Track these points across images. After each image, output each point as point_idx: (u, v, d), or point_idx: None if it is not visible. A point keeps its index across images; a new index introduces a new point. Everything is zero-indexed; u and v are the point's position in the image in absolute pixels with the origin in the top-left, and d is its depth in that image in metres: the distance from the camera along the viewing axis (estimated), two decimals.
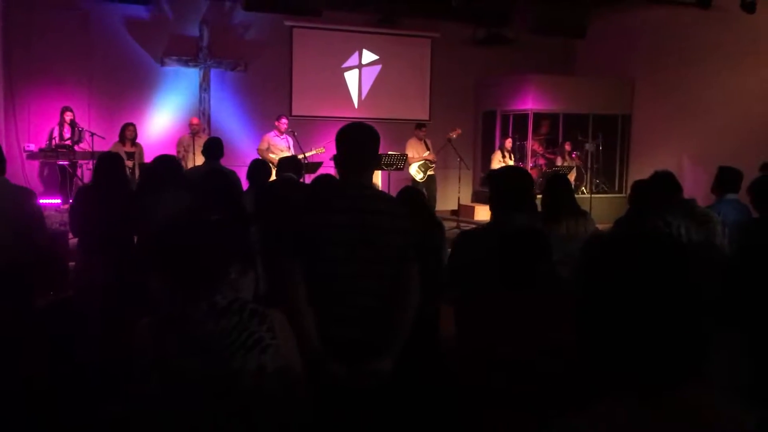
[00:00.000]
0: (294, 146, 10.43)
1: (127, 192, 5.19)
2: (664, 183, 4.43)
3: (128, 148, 10.00)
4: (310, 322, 2.68)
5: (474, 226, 11.61)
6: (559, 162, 12.21)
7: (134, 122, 10.52)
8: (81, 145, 10.21)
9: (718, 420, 1.05)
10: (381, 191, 3.22)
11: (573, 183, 11.88)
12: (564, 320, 2.20)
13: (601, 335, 1.10)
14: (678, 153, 11.71)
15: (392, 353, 2.76)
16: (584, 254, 1.20)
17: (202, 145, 10.16)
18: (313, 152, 10.63)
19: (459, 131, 11.52)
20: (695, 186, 8.77)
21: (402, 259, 2.82)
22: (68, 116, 10.24)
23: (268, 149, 10.33)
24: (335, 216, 2.75)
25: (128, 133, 10.16)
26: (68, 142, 10.15)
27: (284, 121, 10.60)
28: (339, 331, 2.72)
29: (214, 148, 6.70)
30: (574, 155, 12.33)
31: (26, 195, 4.66)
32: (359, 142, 2.85)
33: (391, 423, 2.86)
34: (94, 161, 9.59)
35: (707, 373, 1.09)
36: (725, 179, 5.30)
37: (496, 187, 3.35)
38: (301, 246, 2.74)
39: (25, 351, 3.42)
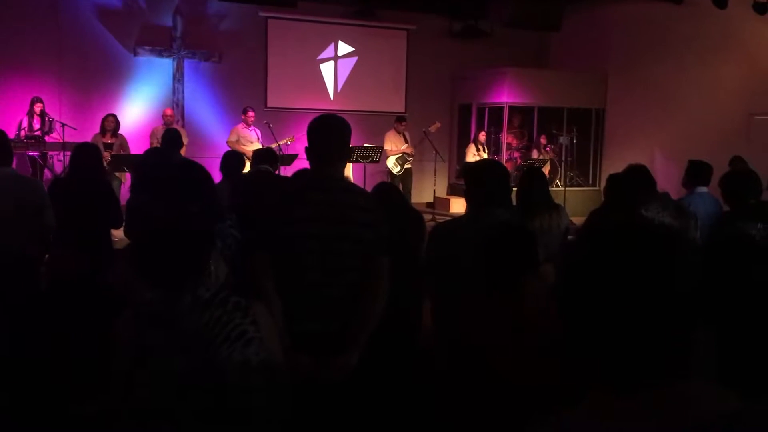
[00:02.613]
0: (264, 138, 10.37)
1: (104, 184, 5.12)
2: (639, 176, 4.47)
3: (108, 140, 9.86)
4: (278, 314, 2.67)
5: (447, 218, 11.66)
6: (534, 155, 12.29)
7: (108, 113, 10.34)
8: (52, 135, 10.04)
9: (703, 404, 1.07)
10: (353, 184, 3.22)
11: (548, 176, 12.01)
12: (545, 322, 2.17)
13: (590, 327, 1.10)
14: (650, 147, 11.85)
15: (358, 346, 2.76)
16: (581, 242, 1.19)
17: None
18: (284, 141, 10.58)
19: (438, 125, 11.54)
20: (667, 180, 8.88)
21: (373, 253, 2.81)
22: (38, 107, 10.05)
23: (237, 141, 10.27)
24: (307, 209, 2.75)
25: (107, 125, 9.99)
26: (38, 133, 9.97)
27: (251, 113, 10.54)
28: (309, 324, 2.72)
29: (173, 139, 6.66)
30: (548, 148, 12.41)
31: (34, 185, 4.61)
32: (330, 134, 2.84)
33: (366, 417, 2.86)
34: (66, 152, 9.50)
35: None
36: (695, 172, 5.37)
37: (474, 181, 3.33)
38: (273, 238, 2.73)
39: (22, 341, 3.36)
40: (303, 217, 2.74)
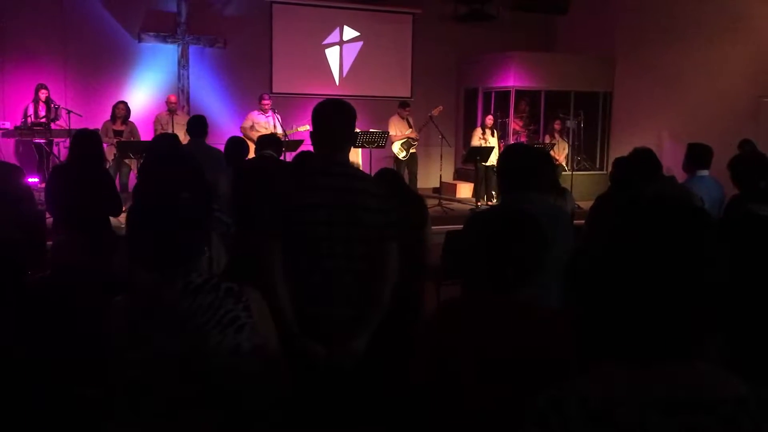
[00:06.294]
0: (281, 123, 10.31)
1: (103, 170, 5.13)
2: (644, 160, 4.44)
3: (118, 127, 9.90)
4: (286, 299, 2.69)
5: (454, 203, 11.62)
6: (547, 140, 12.21)
7: (113, 100, 10.36)
8: (58, 122, 10.06)
9: (711, 386, 1.07)
10: (359, 170, 3.20)
11: (564, 161, 11.98)
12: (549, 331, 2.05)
13: (610, 300, 1.11)
14: (658, 130, 11.76)
15: (367, 332, 2.77)
16: (613, 220, 1.18)
17: (179, 122, 10.18)
18: (301, 128, 10.52)
19: (441, 108, 11.48)
20: (675, 163, 8.80)
21: (381, 239, 2.80)
22: (43, 94, 10.05)
23: (251, 127, 10.23)
24: (318, 194, 2.74)
25: (118, 112, 10.03)
26: (44, 120, 9.98)
27: (266, 100, 10.48)
28: (316, 309, 2.72)
29: (198, 125, 6.68)
30: (555, 134, 12.29)
31: (14, 172, 4.60)
32: (335, 120, 2.82)
33: (365, 401, 2.86)
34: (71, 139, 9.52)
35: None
36: (695, 156, 5.27)
37: (503, 166, 3.13)
38: (282, 223, 2.73)
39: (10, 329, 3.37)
40: (315, 202, 2.73)
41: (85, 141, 4.88)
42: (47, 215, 5.48)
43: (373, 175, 4.73)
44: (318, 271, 2.73)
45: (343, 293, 2.76)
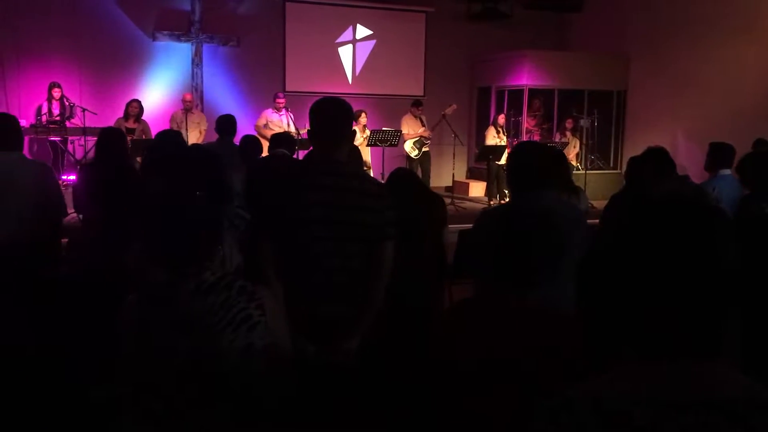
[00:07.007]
0: (294, 122, 10.32)
1: (130, 167, 5.17)
2: (657, 159, 4.41)
3: (131, 124, 9.95)
4: (279, 298, 2.68)
5: (467, 202, 11.58)
6: (557, 138, 12.16)
7: (128, 98, 10.40)
8: (72, 120, 10.12)
9: (724, 386, 1.07)
10: (358, 170, 3.19)
11: (575, 159, 11.93)
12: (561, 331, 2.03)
13: (621, 299, 1.10)
14: (673, 129, 11.68)
15: (359, 332, 2.77)
16: (626, 216, 1.17)
17: (194, 120, 10.23)
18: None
19: (454, 107, 11.44)
20: (690, 162, 8.76)
21: (377, 238, 2.79)
22: (56, 93, 10.12)
23: (266, 125, 10.23)
24: (308, 193, 2.74)
25: (131, 110, 10.07)
26: (58, 118, 10.04)
27: (280, 99, 10.46)
28: (315, 308, 2.73)
29: (228, 124, 6.77)
30: (567, 133, 12.24)
31: (45, 170, 4.63)
32: (331, 117, 2.82)
33: (368, 400, 2.85)
34: (87, 137, 9.58)
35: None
36: (718, 155, 5.27)
37: (512, 164, 3.10)
38: (275, 222, 2.73)
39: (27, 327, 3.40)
40: (314, 202, 2.73)
41: (112, 139, 4.91)
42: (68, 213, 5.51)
43: (389, 174, 4.72)
44: (315, 270, 2.73)
45: (341, 292, 2.76)
